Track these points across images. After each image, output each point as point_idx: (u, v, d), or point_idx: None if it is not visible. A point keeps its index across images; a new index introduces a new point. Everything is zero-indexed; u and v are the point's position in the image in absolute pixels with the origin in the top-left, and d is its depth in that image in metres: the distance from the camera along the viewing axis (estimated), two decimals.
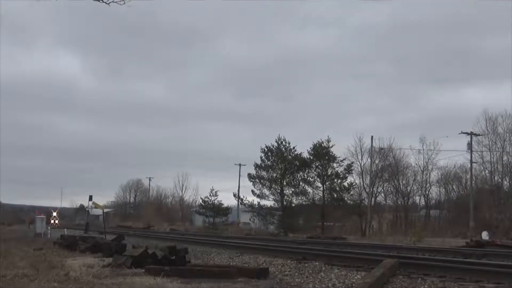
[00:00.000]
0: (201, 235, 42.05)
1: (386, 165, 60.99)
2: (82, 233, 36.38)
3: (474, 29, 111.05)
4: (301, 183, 54.94)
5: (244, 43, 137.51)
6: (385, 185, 61.86)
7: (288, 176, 54.98)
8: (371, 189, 57.89)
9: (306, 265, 12.90)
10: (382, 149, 59.61)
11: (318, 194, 54.42)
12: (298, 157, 54.71)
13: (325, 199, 53.45)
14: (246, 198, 58.34)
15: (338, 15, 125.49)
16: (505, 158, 55.00)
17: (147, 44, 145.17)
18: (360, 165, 59.02)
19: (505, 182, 56.56)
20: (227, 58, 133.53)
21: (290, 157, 54.80)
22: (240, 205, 65.84)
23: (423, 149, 61.85)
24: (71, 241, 22.47)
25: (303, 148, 57.07)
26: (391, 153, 61.20)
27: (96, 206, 37.12)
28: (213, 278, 11.02)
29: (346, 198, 54.00)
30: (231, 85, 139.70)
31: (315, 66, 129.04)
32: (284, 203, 54.69)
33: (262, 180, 55.39)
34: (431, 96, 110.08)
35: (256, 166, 55.85)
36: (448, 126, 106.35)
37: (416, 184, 63.05)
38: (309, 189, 54.87)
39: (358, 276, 10.67)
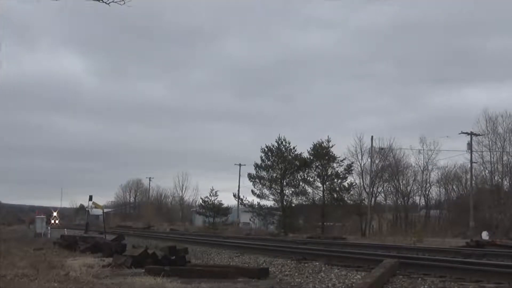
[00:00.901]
0: (201, 235, 42.04)
1: (386, 165, 60.98)
2: (82, 233, 36.36)
3: (476, 29, 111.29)
4: (301, 183, 54.94)
5: (245, 44, 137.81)
6: (385, 185, 61.87)
7: (288, 176, 54.97)
8: (371, 189, 57.87)
9: (306, 265, 12.90)
10: (382, 149, 59.64)
11: (318, 194, 54.45)
12: (298, 157, 54.70)
13: (325, 199, 53.42)
14: (246, 198, 58.40)
15: (339, 16, 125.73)
16: (505, 158, 55.03)
17: (149, 45, 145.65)
18: (360, 165, 59.06)
19: (505, 182, 56.58)
20: (228, 59, 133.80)
21: (290, 157, 54.78)
22: (240, 205, 65.83)
23: (423, 149, 61.90)
24: (71, 241, 22.47)
25: (303, 148, 57.16)
26: (391, 153, 61.24)
27: (96, 206, 37.12)
28: (213, 278, 11.02)
29: (346, 198, 53.97)
30: (232, 85, 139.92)
31: (316, 67, 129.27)
32: (284, 203, 54.67)
33: (262, 180, 55.38)
34: (432, 96, 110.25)
35: (256, 166, 55.86)
36: (448, 126, 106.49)
37: (416, 184, 63.12)
38: (309, 189, 54.90)
39: (358, 276, 10.67)
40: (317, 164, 54.01)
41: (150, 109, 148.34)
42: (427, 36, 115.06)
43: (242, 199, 59.39)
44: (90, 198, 35.17)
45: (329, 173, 53.57)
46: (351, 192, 54.66)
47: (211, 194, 64.12)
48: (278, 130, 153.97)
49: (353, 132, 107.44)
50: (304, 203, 55.37)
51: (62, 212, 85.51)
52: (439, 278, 9.88)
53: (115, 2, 8.83)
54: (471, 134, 51.85)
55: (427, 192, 63.96)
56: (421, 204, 65.76)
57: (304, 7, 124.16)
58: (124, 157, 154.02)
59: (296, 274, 11.87)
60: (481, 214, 51.13)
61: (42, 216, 43.73)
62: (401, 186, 61.89)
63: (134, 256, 13.40)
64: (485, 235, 35.61)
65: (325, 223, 53.66)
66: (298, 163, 54.51)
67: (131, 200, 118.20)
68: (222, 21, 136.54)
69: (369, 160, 57.54)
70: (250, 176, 56.03)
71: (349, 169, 54.19)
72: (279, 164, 54.93)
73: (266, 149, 55.40)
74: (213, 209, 64.09)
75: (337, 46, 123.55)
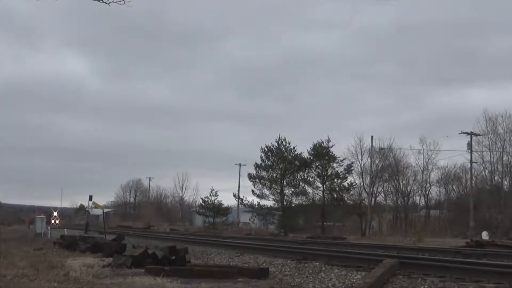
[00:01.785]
0: (201, 235, 42.03)
1: (386, 165, 61.00)
2: (82, 233, 36.35)
3: (477, 30, 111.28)
4: (301, 183, 54.98)
5: (247, 44, 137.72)
6: (385, 185, 61.90)
7: (288, 176, 54.98)
8: (371, 189, 57.88)
9: (306, 265, 12.90)
10: (382, 149, 59.67)
11: (318, 194, 54.49)
12: (298, 157, 54.72)
13: (325, 199, 53.44)
14: (246, 198, 58.46)
15: (341, 16, 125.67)
16: (505, 158, 55.07)
17: (151, 45, 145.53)
18: (360, 165, 59.09)
19: (505, 182, 56.64)
20: (230, 59, 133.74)
21: (290, 157, 54.81)
22: (240, 205, 65.87)
23: (423, 149, 61.96)
24: (71, 241, 22.46)
25: (305, 149, 57.07)
26: (391, 153, 61.28)
27: (96, 206, 37.14)
28: (213, 278, 11.02)
29: (346, 198, 54.00)
30: (234, 86, 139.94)
31: (318, 67, 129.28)
32: (284, 203, 54.69)
33: (262, 180, 55.40)
34: (432, 96, 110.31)
35: (256, 166, 55.89)
36: (448, 126, 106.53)
37: (416, 184, 63.16)
38: (309, 189, 54.94)
39: (358, 276, 10.66)
40: (317, 164, 54.03)
41: (150, 109, 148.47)
42: (428, 37, 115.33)
43: (242, 199, 59.51)
44: (90, 198, 35.17)
45: (329, 173, 53.60)
46: (351, 192, 54.74)
47: (211, 194, 64.22)
48: (279, 130, 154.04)
49: (354, 132, 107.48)
50: (304, 203, 55.40)
51: (62, 212, 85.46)
52: (439, 278, 9.88)
53: (115, 2, 8.83)
54: (471, 134, 51.87)
55: (427, 192, 64.09)
56: (421, 204, 65.88)
57: (306, 7, 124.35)
58: (124, 157, 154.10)
59: (296, 274, 11.86)
60: (481, 214, 51.14)
61: (42, 216, 43.71)
62: (401, 186, 61.97)
63: (134, 256, 13.39)
64: (485, 235, 35.63)
65: (325, 223, 53.67)
66: (298, 163, 54.53)
67: (131, 200, 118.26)
68: (224, 21, 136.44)
69: (369, 160, 57.65)
70: (250, 176, 56.09)
71: (349, 169, 54.24)
72: (279, 164, 54.95)
73: (266, 149, 55.44)
74: (213, 209, 64.10)
75: (339, 46, 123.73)
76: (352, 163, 56.06)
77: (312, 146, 54.30)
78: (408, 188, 62.41)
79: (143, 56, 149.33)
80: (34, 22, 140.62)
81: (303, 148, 63.98)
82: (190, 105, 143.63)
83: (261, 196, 55.34)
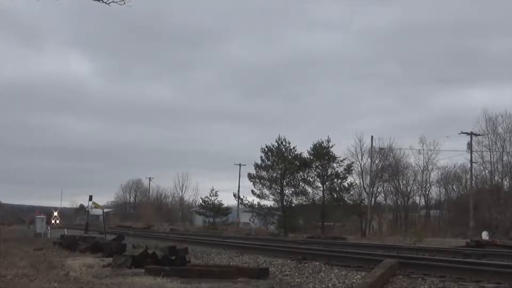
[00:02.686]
0: (201, 235, 42.03)
1: (386, 165, 60.99)
2: (82, 233, 36.34)
3: (478, 30, 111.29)
4: (301, 183, 55.01)
5: (250, 45, 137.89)
6: (385, 185, 61.88)
7: (288, 176, 55.00)
8: (371, 189, 57.87)
9: (306, 265, 12.89)
10: (382, 149, 59.66)
11: (318, 194, 54.54)
12: (298, 157, 54.74)
13: (325, 199, 53.46)
14: (246, 198, 58.51)
15: (343, 17, 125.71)
16: (505, 158, 55.03)
17: (154, 45, 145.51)
18: (360, 165, 59.08)
19: (505, 182, 56.57)
20: (232, 59, 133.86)
21: (290, 157, 54.82)
22: (240, 205, 65.88)
23: (423, 149, 61.95)
24: (71, 241, 22.45)
25: (305, 149, 57.11)
26: (391, 153, 61.26)
27: (96, 206, 37.11)
28: (213, 278, 11.02)
29: (346, 198, 54.03)
30: (236, 86, 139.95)
31: (320, 68, 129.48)
32: (284, 203, 54.72)
33: (262, 180, 55.43)
34: (432, 96, 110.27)
35: (256, 166, 55.92)
36: (448, 126, 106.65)
37: (416, 184, 63.15)
38: (309, 189, 54.99)
39: (358, 276, 10.66)
40: (317, 164, 54.06)
41: (151, 109, 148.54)
42: (429, 37, 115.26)
43: (242, 199, 59.53)
44: (90, 198, 35.15)
45: (329, 173, 53.65)
46: (351, 192, 54.79)
47: (211, 194, 64.29)
48: (280, 130, 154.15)
49: (356, 132, 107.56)
50: (304, 203, 55.43)
51: (62, 212, 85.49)
52: (439, 278, 9.87)
53: (115, 2, 8.82)
54: (471, 134, 51.87)
55: (427, 192, 64.09)
56: (421, 204, 65.89)
57: (308, 8, 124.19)
58: (124, 157, 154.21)
59: (296, 274, 11.86)
60: (481, 214, 51.11)
61: (42, 216, 43.69)
62: (401, 186, 61.96)
63: (134, 256, 13.39)
64: (485, 235, 35.59)
65: (325, 223, 53.69)
66: (298, 163, 54.54)
67: (131, 200, 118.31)
68: (226, 22, 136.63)
69: (369, 160, 57.63)
70: (250, 176, 56.13)
71: (349, 169, 54.26)
72: (279, 164, 54.98)
73: (266, 149, 55.47)
74: (213, 209, 64.15)
75: (340, 47, 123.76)
76: (352, 163, 56.17)
77: (312, 146, 54.40)
78: (408, 188, 62.46)
79: (145, 57, 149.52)
80: (37, 22, 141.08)
81: (303, 148, 64.15)
82: (190, 105, 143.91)
83: (261, 196, 55.45)
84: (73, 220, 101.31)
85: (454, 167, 61.63)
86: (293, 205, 55.54)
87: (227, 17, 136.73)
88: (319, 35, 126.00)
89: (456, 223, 53.66)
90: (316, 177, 54.38)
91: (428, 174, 62.84)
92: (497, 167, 55.84)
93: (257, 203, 55.79)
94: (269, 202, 55.97)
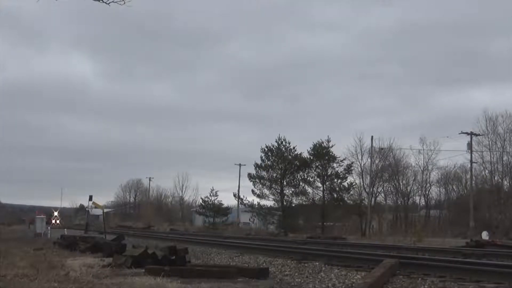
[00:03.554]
0: (201, 235, 42.04)
1: (386, 165, 60.99)
2: (82, 233, 36.36)
3: (478, 30, 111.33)
4: (301, 183, 55.01)
5: (252, 45, 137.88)
6: (385, 185, 61.88)
7: (288, 176, 54.99)
8: (371, 189, 57.86)
9: (306, 265, 12.90)
10: (382, 149, 59.64)
11: (318, 194, 54.54)
12: (298, 157, 54.73)
13: (325, 199, 53.46)
14: (246, 198, 58.49)
15: (345, 17, 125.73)
16: (505, 158, 55.01)
17: (156, 46, 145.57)
18: (360, 165, 59.03)
19: (505, 182, 56.55)
20: (234, 60, 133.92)
21: (290, 157, 54.82)
22: (240, 205, 65.88)
23: (423, 149, 61.95)
24: (71, 241, 22.46)
25: (305, 149, 57.05)
26: (391, 153, 61.26)
27: (96, 206, 37.16)
28: (213, 278, 11.02)
29: (346, 198, 54.04)
30: (237, 87, 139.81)
31: (321, 68, 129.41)
32: (284, 203, 54.71)
33: (262, 180, 55.41)
34: (433, 97, 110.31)
35: (256, 166, 55.91)
36: (448, 126, 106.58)
37: (416, 184, 63.16)
38: (309, 189, 54.99)
39: (358, 276, 10.67)
40: (317, 164, 54.06)
41: (151, 109, 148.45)
42: (429, 38, 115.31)
43: (242, 199, 59.52)
44: (90, 198, 35.19)
45: (329, 173, 53.65)
46: (351, 192, 54.77)
47: (211, 194, 64.30)
48: (281, 130, 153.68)
49: (356, 132, 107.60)
50: (304, 203, 55.43)
51: (62, 212, 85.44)
52: (439, 278, 9.88)
53: (115, 2, 8.82)
54: (471, 134, 51.84)
55: (427, 192, 64.09)
56: (421, 204, 65.90)
57: (311, 9, 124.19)
58: (124, 157, 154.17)
59: (296, 274, 11.87)
60: (481, 214, 51.12)
61: (42, 216, 43.71)
62: (401, 186, 61.99)
63: (134, 256, 13.39)
64: (485, 235, 35.60)
65: (325, 223, 53.68)
66: (298, 163, 54.54)
67: (131, 200, 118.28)
68: (228, 22, 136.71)
69: (369, 160, 57.61)
70: (250, 176, 56.11)
71: (349, 169, 54.26)
72: (279, 164, 54.97)
73: (266, 149, 55.47)
74: (213, 209, 64.16)
75: (343, 47, 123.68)
76: (352, 163, 56.15)
77: (312, 146, 54.40)
78: (408, 188, 62.47)
79: (147, 57, 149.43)
80: (40, 23, 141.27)
81: (303, 148, 64.14)
82: (191, 106, 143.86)
83: (261, 196, 55.44)
84: (73, 220, 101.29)
85: (454, 167, 61.74)
86: (293, 205, 55.55)
87: (228, 18, 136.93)
88: (320, 35, 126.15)
89: (456, 223, 53.66)
90: (316, 177, 54.42)
91: (428, 174, 62.96)
92: (497, 167, 55.88)
93: (257, 203, 55.87)
94: (269, 202, 56.05)
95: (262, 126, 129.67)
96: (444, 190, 64.37)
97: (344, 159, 54.47)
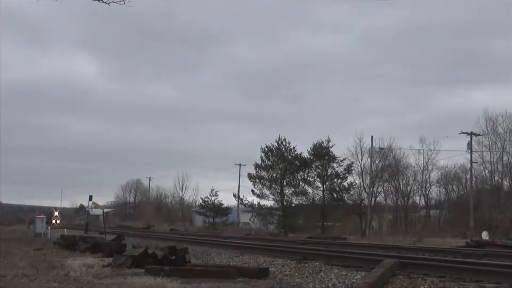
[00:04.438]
0: (201, 235, 42.02)
1: (386, 165, 60.98)
2: (82, 233, 36.35)
3: (478, 31, 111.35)
4: (301, 183, 54.95)
5: (255, 46, 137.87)
6: (385, 185, 61.89)
7: (288, 176, 54.96)
8: (371, 189, 57.87)
9: (306, 265, 12.90)
10: (382, 149, 59.64)
11: (318, 194, 54.49)
12: (298, 157, 54.71)
13: (325, 199, 53.44)
14: (246, 198, 58.41)
15: (348, 18, 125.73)
16: (505, 158, 55.04)
17: (160, 46, 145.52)
18: (360, 165, 59.03)
19: (505, 182, 56.58)
20: (237, 61, 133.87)
21: (290, 157, 54.79)
22: (240, 205, 65.85)
23: (423, 149, 61.93)
24: (71, 241, 22.48)
25: (305, 149, 57.02)
26: (391, 153, 61.26)
27: (96, 206, 37.16)
28: (213, 278, 11.02)
29: (346, 198, 54.01)
30: (240, 87, 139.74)
31: (323, 69, 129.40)
32: (284, 203, 54.66)
33: (262, 180, 55.37)
34: (433, 97, 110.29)
35: (256, 166, 55.87)
36: (448, 126, 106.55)
37: (416, 184, 63.10)
38: (309, 189, 54.93)
39: (358, 276, 10.67)
40: (317, 164, 54.03)
41: (152, 109, 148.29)
42: (430, 38, 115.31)
43: (242, 199, 59.45)
44: (90, 198, 35.20)
45: (329, 173, 53.62)
46: (351, 192, 54.74)
47: (211, 194, 64.29)
48: (281, 130, 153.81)
49: (356, 133, 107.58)
50: (304, 203, 55.38)
51: (62, 212, 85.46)
52: (439, 278, 9.87)
53: (115, 2, 8.83)
54: (471, 134, 51.85)
55: (427, 192, 64.03)
56: (421, 204, 65.83)
57: (313, 9, 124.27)
58: (124, 157, 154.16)
59: (296, 274, 11.87)
60: (481, 214, 51.10)
61: (42, 216, 43.73)
62: (401, 186, 61.95)
63: (134, 256, 13.39)
64: (485, 235, 35.60)
65: (325, 223, 53.67)
66: (298, 163, 54.52)
67: (131, 200, 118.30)
68: (231, 23, 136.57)
69: (369, 160, 57.60)
70: (250, 176, 56.05)
71: (349, 169, 54.24)
72: (279, 164, 54.93)
73: (266, 149, 55.42)
74: (213, 209, 64.14)
75: (344, 48, 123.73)
76: (352, 163, 56.14)
77: (312, 146, 54.38)
78: (408, 188, 62.42)
79: (149, 57, 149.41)
80: (44, 24, 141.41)
81: (303, 148, 64.10)
82: (192, 106, 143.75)
83: (261, 196, 55.37)
84: (73, 220, 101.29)
85: (454, 167, 61.70)
86: (293, 205, 55.48)
87: (230, 18, 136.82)
88: (321, 36, 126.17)
89: (456, 223, 53.64)
90: (316, 177, 54.38)
91: (428, 174, 62.90)
92: (497, 167, 55.90)
93: (257, 203, 55.80)
94: (269, 202, 55.98)
95: (262, 126, 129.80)
96: (444, 190, 64.40)
97: (344, 159, 54.53)
